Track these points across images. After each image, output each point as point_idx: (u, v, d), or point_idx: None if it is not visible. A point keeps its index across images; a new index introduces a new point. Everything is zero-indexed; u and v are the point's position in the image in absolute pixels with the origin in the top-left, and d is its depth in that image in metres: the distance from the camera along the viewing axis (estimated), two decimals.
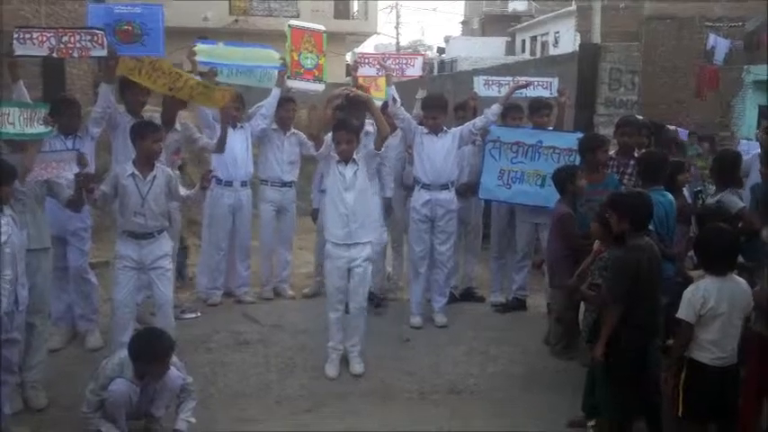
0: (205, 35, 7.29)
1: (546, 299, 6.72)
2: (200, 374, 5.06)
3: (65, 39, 5.47)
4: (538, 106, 6.93)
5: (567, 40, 29.09)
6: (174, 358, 4.56)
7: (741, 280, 4.06)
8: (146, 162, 5.24)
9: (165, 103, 6.26)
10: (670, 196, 5.31)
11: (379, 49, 36.86)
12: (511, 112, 6.93)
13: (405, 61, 7.31)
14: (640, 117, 7.59)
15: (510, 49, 35.90)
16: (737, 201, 5.34)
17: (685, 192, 6.13)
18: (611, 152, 6.27)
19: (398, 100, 6.38)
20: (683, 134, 8.00)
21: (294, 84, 6.89)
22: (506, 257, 7.14)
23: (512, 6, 40.53)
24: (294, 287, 7.42)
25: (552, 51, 29.51)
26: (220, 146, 6.41)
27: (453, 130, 6.48)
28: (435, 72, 24.66)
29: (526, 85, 6.84)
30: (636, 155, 6.10)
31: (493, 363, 5.83)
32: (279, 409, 5.12)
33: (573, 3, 29.43)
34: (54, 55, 5.53)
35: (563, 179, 5.73)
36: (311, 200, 7.38)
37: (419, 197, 6.46)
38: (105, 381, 4.39)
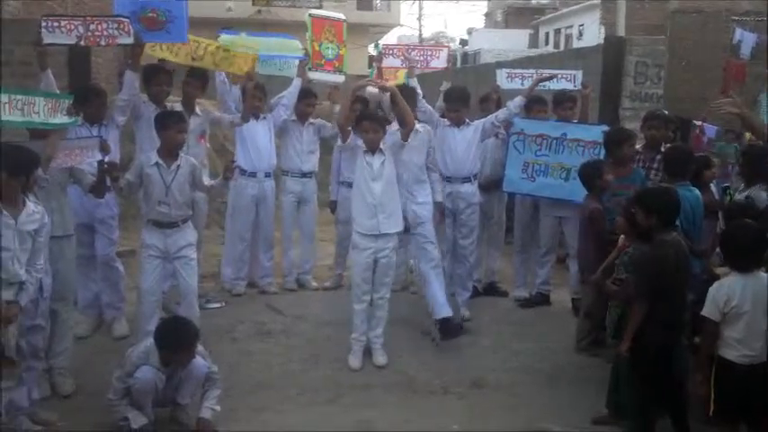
0: (229, 25, 7.31)
1: (570, 294, 6.70)
2: (223, 364, 5.08)
3: (92, 27, 5.49)
4: (561, 99, 6.89)
5: (591, 32, 28.83)
6: (200, 347, 4.59)
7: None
8: (170, 151, 5.28)
9: (184, 89, 6.32)
10: (696, 191, 5.25)
11: (402, 40, 36.79)
12: (535, 104, 6.89)
13: (430, 53, 7.29)
14: (666, 112, 7.51)
15: (533, 42, 35.65)
16: (766, 196, 5.27)
17: (713, 187, 6.05)
18: (638, 146, 6.21)
19: (420, 92, 6.36)
20: (710, 130, 7.89)
21: (315, 75, 6.91)
22: (530, 252, 7.11)
23: None
24: (316, 279, 7.43)
25: (576, 44, 29.28)
26: (245, 116, 6.49)
27: (476, 122, 6.45)
28: (458, 64, 24.55)
29: (549, 78, 6.79)
30: (663, 149, 6.05)
31: (516, 357, 5.82)
32: (301, 399, 5.14)
33: None
34: (81, 43, 5.56)
35: (590, 174, 5.67)
36: (329, 191, 7.38)
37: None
38: (131, 368, 4.43)
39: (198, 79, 6.34)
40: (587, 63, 8.76)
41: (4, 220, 4.03)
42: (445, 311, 5.85)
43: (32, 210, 4.21)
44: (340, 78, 7.05)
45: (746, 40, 8.77)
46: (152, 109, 5.96)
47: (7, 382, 4.17)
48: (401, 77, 7.32)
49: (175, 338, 4.44)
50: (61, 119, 4.79)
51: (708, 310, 3.97)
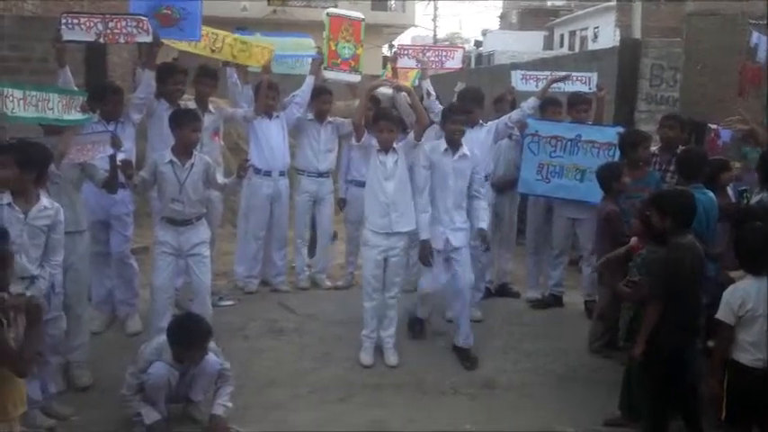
0: (244, 25, 7.35)
1: (583, 296, 6.68)
2: (235, 361, 5.09)
3: (111, 25, 5.53)
4: (575, 101, 6.86)
5: (606, 35, 28.74)
6: (212, 344, 4.61)
7: None
8: (184, 150, 5.31)
9: (197, 88, 6.36)
10: (710, 194, 5.22)
11: (416, 41, 36.78)
12: (550, 105, 6.88)
13: (444, 53, 7.25)
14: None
15: (548, 44, 35.59)
16: None
17: (729, 190, 6.02)
18: (654, 148, 6.19)
19: (433, 93, 6.34)
20: (725, 134, 7.85)
21: (330, 75, 6.90)
22: (542, 253, 7.09)
23: (550, 1, 40.17)
24: (329, 278, 7.44)
25: (591, 46, 29.20)
26: (258, 110, 6.58)
27: (489, 123, 6.44)
28: (473, 65, 24.53)
29: (563, 79, 6.76)
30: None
31: (528, 359, 5.80)
32: (312, 397, 5.15)
33: None
34: (101, 41, 5.60)
35: (607, 176, 5.66)
36: (337, 189, 7.39)
37: None
38: (145, 364, 4.46)
39: (211, 77, 6.39)
40: (602, 65, 8.72)
41: (14, 215, 4.07)
42: (467, 342, 5.78)
43: (45, 205, 4.25)
44: (356, 78, 7.05)
45: (763, 43, 8.70)
46: (165, 107, 6.00)
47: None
48: (412, 78, 7.32)
49: (188, 335, 4.46)
50: (75, 115, 4.83)
51: (722, 314, 3.96)
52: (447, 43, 36.39)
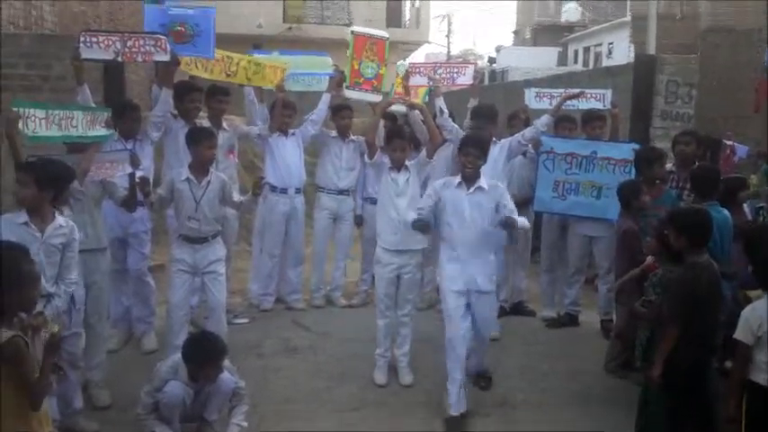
0: (259, 42, 7.40)
1: (599, 315, 6.63)
2: (250, 379, 5.09)
3: (129, 43, 5.60)
4: (589, 117, 6.86)
5: (620, 51, 28.72)
6: (227, 362, 4.62)
7: None
8: (200, 167, 5.35)
9: (211, 105, 6.41)
10: (725, 212, 5.18)
11: (430, 57, 36.87)
12: (563, 122, 6.88)
13: (456, 70, 7.23)
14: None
15: (562, 60, 35.53)
16: None
17: (746, 208, 5.98)
18: (669, 165, 6.17)
19: (446, 111, 6.35)
20: (741, 151, 7.83)
21: (352, 94, 6.90)
22: (557, 271, 7.06)
23: (564, 16, 40.15)
24: (344, 296, 7.44)
25: (605, 62, 29.15)
26: (272, 128, 6.64)
27: (502, 141, 6.43)
28: (486, 82, 24.54)
29: (577, 95, 6.75)
30: None
31: (543, 378, 5.76)
32: (327, 416, 5.13)
33: (628, 14, 29.05)
34: (119, 59, 5.65)
35: (627, 194, 5.65)
36: (354, 207, 7.39)
37: None
38: (160, 383, 4.46)
39: (224, 95, 6.44)
40: (617, 81, 8.74)
41: (30, 234, 4.10)
42: (476, 367, 5.48)
43: (60, 224, 4.27)
44: (377, 98, 6.98)
45: None
46: (182, 125, 6.05)
47: None
48: (422, 95, 7.32)
49: (203, 353, 4.46)
50: (99, 131, 4.89)
51: (741, 333, 3.91)
52: (461, 59, 36.42)
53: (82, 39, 5.50)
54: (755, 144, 9.82)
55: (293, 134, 6.92)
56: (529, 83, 11.86)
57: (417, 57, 31.97)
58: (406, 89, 6.72)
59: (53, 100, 6.57)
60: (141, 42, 5.64)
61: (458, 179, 5.15)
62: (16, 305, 3.22)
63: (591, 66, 30.93)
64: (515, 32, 47.90)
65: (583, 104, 6.94)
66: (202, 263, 5.40)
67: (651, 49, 15.03)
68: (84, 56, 5.51)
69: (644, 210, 5.62)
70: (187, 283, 5.42)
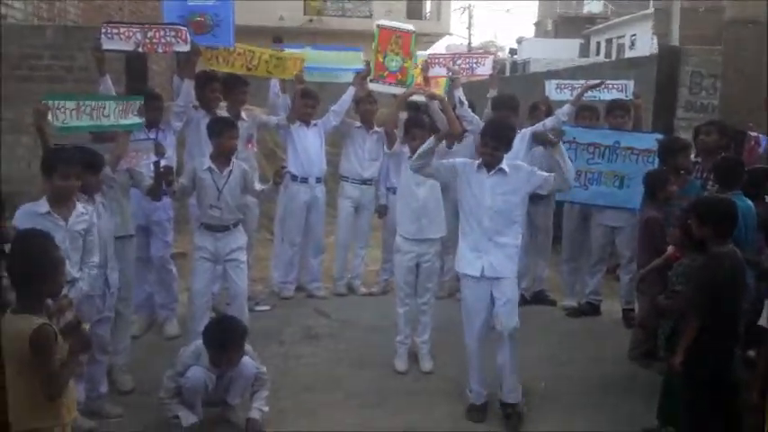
0: (280, 34, 7.39)
1: (621, 304, 6.61)
2: (271, 366, 5.14)
3: (150, 34, 5.65)
4: (612, 107, 6.82)
5: (643, 42, 28.49)
6: (249, 347, 4.66)
7: None
8: (222, 157, 5.39)
9: (228, 96, 6.44)
10: (748, 201, 5.13)
11: (451, 49, 36.72)
12: (583, 112, 6.85)
13: (475, 60, 7.20)
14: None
15: (584, 52, 35.33)
16: None
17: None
18: (693, 155, 6.13)
19: (465, 102, 6.34)
20: (765, 142, 7.75)
21: (376, 87, 6.89)
22: (578, 261, 7.04)
23: (586, 8, 39.91)
24: (364, 284, 7.46)
25: (628, 54, 28.93)
26: (291, 118, 6.69)
27: (523, 130, 6.41)
28: (507, 73, 24.44)
29: (598, 86, 6.71)
30: None
31: (564, 367, 5.75)
32: (348, 403, 5.16)
33: (650, 5, 28.81)
34: (140, 50, 5.71)
35: (652, 183, 5.62)
36: (378, 196, 7.42)
37: None
38: (182, 368, 4.51)
39: (242, 84, 6.48)
40: (640, 73, 8.66)
41: (54, 222, 4.14)
42: (512, 397, 5.00)
43: (81, 211, 4.32)
44: (401, 91, 7.00)
45: None
46: (202, 115, 6.11)
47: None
48: (442, 86, 7.31)
49: (224, 336, 4.51)
50: (132, 119, 4.95)
51: (766, 321, 3.88)
52: (481, 51, 36.29)
53: (103, 30, 5.56)
54: None
55: (315, 125, 6.94)
56: (550, 74, 11.80)
57: (438, 49, 31.79)
58: (426, 80, 6.72)
59: (76, 90, 6.64)
60: (162, 33, 5.69)
61: (478, 161, 4.94)
62: (45, 292, 3.26)
63: (613, 57, 30.68)
64: (537, 24, 47.68)
65: (604, 95, 6.91)
66: (224, 251, 5.45)
67: (674, 41, 14.91)
68: (105, 47, 5.57)
69: (669, 200, 5.58)
70: (209, 271, 5.47)
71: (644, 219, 5.56)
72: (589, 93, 6.66)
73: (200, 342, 4.60)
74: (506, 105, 6.42)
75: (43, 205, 4.18)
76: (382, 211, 7.31)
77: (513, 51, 38.12)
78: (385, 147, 6.77)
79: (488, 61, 7.17)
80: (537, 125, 6.44)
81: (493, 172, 4.83)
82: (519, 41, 39.41)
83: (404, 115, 6.18)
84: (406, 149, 5.66)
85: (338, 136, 7.26)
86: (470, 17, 47.28)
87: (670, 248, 4.99)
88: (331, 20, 25.63)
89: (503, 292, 4.85)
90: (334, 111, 6.99)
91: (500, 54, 36.86)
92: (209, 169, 5.36)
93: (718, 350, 4.14)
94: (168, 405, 4.53)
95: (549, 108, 6.98)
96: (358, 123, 7.12)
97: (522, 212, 4.95)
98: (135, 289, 5.76)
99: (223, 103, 6.46)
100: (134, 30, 5.65)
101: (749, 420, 4.07)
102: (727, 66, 9.06)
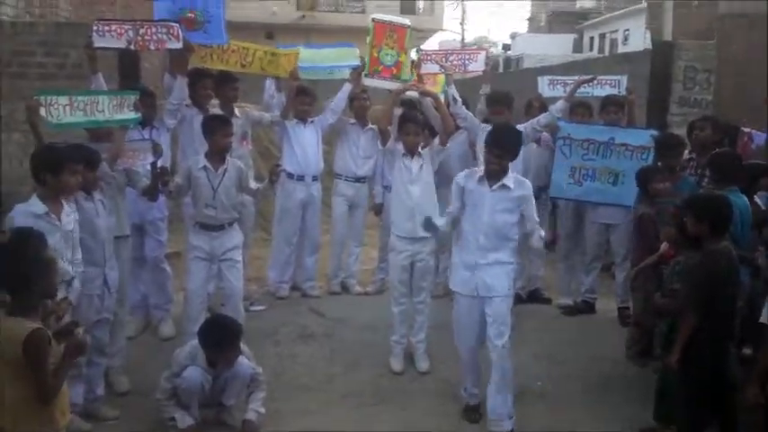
0: (272, 30, 7.34)
1: (616, 303, 6.60)
2: (267, 366, 5.13)
3: (141, 31, 5.60)
4: (606, 103, 6.79)
5: (636, 37, 28.49)
6: (245, 347, 4.64)
7: None
8: (217, 155, 5.36)
9: (222, 93, 6.37)
10: (745, 198, 5.14)
11: (444, 45, 36.67)
12: (576, 108, 6.83)
13: (467, 56, 7.14)
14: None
15: (577, 47, 35.35)
16: None
17: (756, 199, 5.90)
18: (687, 151, 6.13)
19: (459, 99, 6.30)
20: (759, 138, 7.75)
21: (371, 82, 6.83)
22: (573, 259, 7.03)
23: (579, 3, 39.91)
24: (359, 283, 7.44)
25: (621, 49, 28.95)
26: (285, 114, 6.62)
27: (517, 126, 6.38)
28: (501, 69, 24.43)
29: (590, 81, 6.69)
30: None
31: (560, 366, 5.75)
32: (344, 402, 5.15)
33: (643, 0, 28.81)
34: (131, 47, 5.66)
35: (643, 179, 5.62)
36: (374, 195, 7.37)
37: None
38: (178, 369, 4.50)
39: (233, 81, 6.42)
40: (634, 68, 8.65)
41: (51, 223, 4.11)
42: (494, 424, 4.80)
43: (68, 210, 4.29)
44: (396, 86, 6.95)
45: None
46: (194, 112, 6.07)
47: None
48: (440, 81, 7.26)
49: (219, 336, 4.50)
50: (127, 114, 4.92)
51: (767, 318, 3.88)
52: (475, 47, 36.27)
53: (95, 27, 5.51)
54: None
55: (312, 122, 6.90)
56: (544, 70, 11.78)
57: (431, 44, 31.79)
58: (419, 77, 6.68)
59: (69, 87, 6.58)
60: (154, 30, 5.64)
61: (480, 172, 4.81)
62: (40, 293, 3.23)
63: (606, 52, 30.71)
64: (530, 19, 47.66)
65: (597, 91, 6.90)
66: (219, 250, 5.42)
67: (667, 36, 14.91)
68: (96, 44, 5.52)
69: (658, 195, 5.59)
70: (204, 271, 5.44)
71: (637, 216, 5.57)
72: (582, 89, 6.64)
73: (195, 342, 4.59)
74: (501, 102, 6.38)
75: (39, 206, 4.14)
76: (378, 209, 7.28)
77: (506, 47, 38.10)
78: (379, 144, 6.73)
79: (481, 57, 7.11)
80: (531, 121, 6.42)
81: (496, 186, 4.73)
82: (512, 37, 39.38)
83: (398, 111, 6.14)
84: (400, 146, 5.63)
85: (332, 133, 7.22)
86: (463, 12, 47.19)
87: (663, 245, 4.99)
88: (324, 15, 25.57)
89: (494, 311, 4.74)
90: (332, 109, 6.94)
91: (493, 50, 36.85)
92: (205, 168, 5.33)
93: (714, 348, 4.15)
94: (165, 406, 4.53)
95: (542, 105, 6.97)
96: (352, 120, 7.08)
97: (518, 230, 4.87)
98: (130, 290, 5.74)
99: (215, 101, 6.42)
100: (126, 27, 5.60)
101: (749, 418, 4.08)
102: (720, 60, 9.08)
